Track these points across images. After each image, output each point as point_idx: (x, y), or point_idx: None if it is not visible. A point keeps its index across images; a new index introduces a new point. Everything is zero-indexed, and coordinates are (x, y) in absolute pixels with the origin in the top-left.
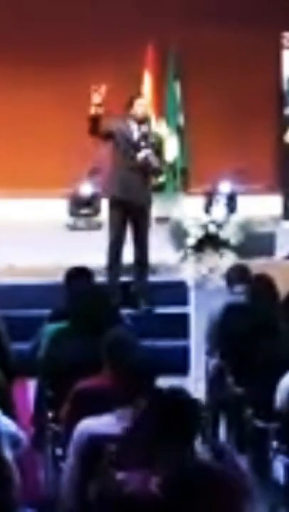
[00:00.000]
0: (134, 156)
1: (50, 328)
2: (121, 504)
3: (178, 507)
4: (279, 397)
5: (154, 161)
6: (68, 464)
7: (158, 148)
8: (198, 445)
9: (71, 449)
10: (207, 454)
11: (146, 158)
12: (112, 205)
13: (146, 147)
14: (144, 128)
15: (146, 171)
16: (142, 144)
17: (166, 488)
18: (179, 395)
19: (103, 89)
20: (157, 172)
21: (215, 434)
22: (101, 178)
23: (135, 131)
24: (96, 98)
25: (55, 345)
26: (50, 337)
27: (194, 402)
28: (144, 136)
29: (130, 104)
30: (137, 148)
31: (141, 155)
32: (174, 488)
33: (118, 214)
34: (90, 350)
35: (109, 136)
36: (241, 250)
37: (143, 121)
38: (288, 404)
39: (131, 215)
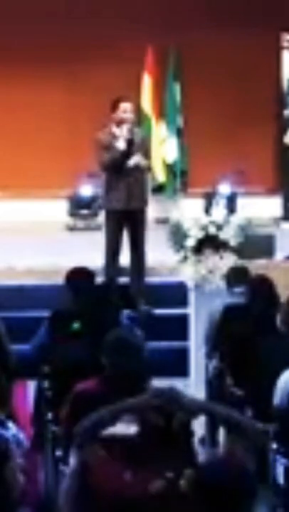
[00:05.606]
0: (124, 163)
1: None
2: (121, 505)
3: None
4: (279, 393)
5: (145, 164)
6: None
7: (146, 147)
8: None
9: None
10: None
11: (137, 164)
12: (110, 214)
13: (134, 152)
14: (128, 132)
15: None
16: (129, 149)
17: (167, 490)
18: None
19: (125, 129)
20: (148, 170)
21: (214, 435)
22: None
23: (121, 138)
24: (120, 143)
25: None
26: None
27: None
28: (130, 141)
29: (113, 107)
30: (125, 155)
31: (131, 162)
32: (175, 491)
33: (116, 222)
34: (91, 351)
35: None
36: (241, 251)
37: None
38: (288, 405)
39: (129, 220)
